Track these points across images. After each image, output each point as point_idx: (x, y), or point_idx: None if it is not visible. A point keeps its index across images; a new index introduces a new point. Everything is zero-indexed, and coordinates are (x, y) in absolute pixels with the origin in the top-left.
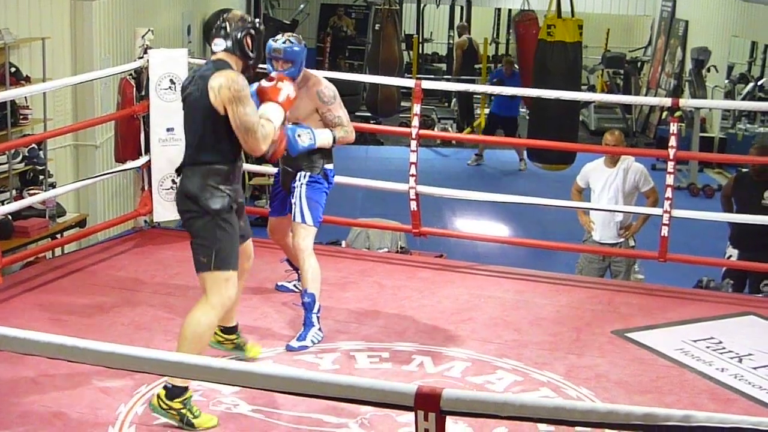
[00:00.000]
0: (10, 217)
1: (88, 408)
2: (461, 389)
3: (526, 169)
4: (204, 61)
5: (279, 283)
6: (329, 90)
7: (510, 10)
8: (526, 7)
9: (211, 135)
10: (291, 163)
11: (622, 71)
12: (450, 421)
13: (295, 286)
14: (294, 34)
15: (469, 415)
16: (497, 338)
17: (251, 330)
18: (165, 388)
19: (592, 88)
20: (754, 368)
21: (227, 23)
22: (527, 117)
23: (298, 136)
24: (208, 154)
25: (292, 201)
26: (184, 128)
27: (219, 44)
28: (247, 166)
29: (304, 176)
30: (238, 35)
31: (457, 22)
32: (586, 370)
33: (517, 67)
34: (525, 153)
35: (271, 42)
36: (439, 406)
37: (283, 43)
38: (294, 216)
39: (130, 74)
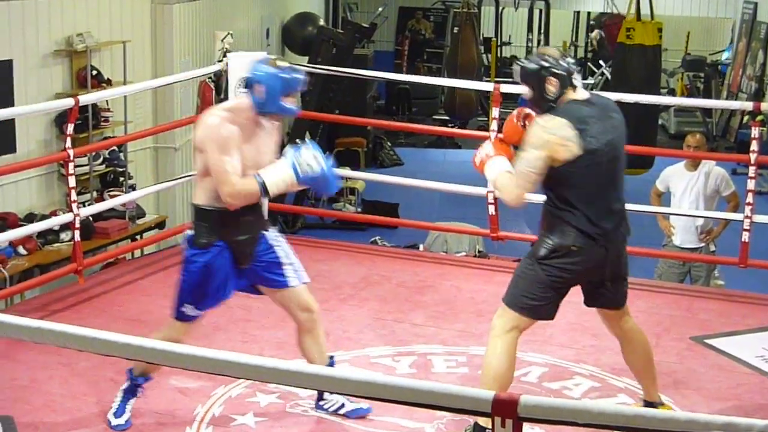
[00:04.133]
0: (91, 218)
1: (165, 408)
2: (538, 395)
3: None
4: None
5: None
6: None
7: (589, 13)
8: (608, 10)
9: None
10: (257, 226)
11: (702, 74)
12: (526, 427)
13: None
14: (278, 57)
15: (546, 422)
16: (575, 343)
17: (327, 332)
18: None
19: (671, 92)
20: None
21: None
22: None
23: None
24: None
25: (281, 262)
26: (618, 169)
27: (580, 80)
28: None
29: (276, 234)
30: None
31: (535, 25)
32: (665, 376)
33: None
34: None
35: (284, 73)
36: (516, 412)
37: (297, 72)
38: (296, 279)
39: (210, 77)
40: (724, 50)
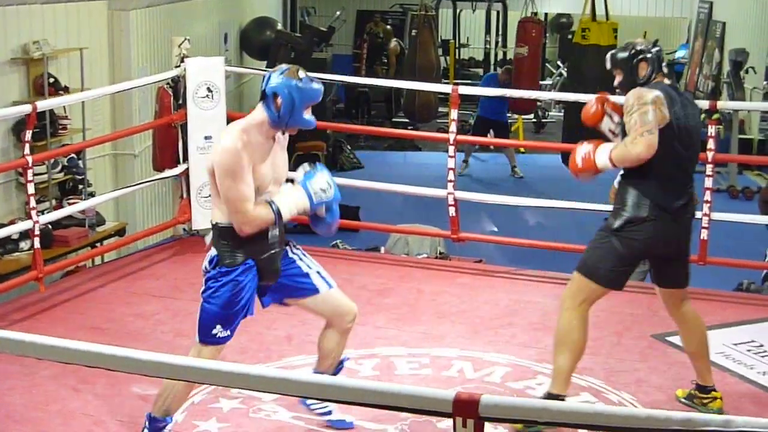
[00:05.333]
0: (50, 226)
1: (128, 416)
2: (501, 395)
3: (523, 177)
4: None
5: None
6: None
7: (546, 14)
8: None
9: None
10: (280, 241)
11: None
12: (489, 427)
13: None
14: (298, 67)
15: (507, 421)
16: (537, 343)
17: (288, 337)
18: None
19: None
20: None
21: None
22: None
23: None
24: None
25: (306, 272)
26: (692, 154)
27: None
28: None
29: (295, 247)
30: None
31: (493, 27)
32: (627, 374)
33: None
34: (516, 159)
35: (304, 84)
36: (477, 412)
37: (317, 82)
38: (325, 284)
39: (168, 83)
40: (676, 50)
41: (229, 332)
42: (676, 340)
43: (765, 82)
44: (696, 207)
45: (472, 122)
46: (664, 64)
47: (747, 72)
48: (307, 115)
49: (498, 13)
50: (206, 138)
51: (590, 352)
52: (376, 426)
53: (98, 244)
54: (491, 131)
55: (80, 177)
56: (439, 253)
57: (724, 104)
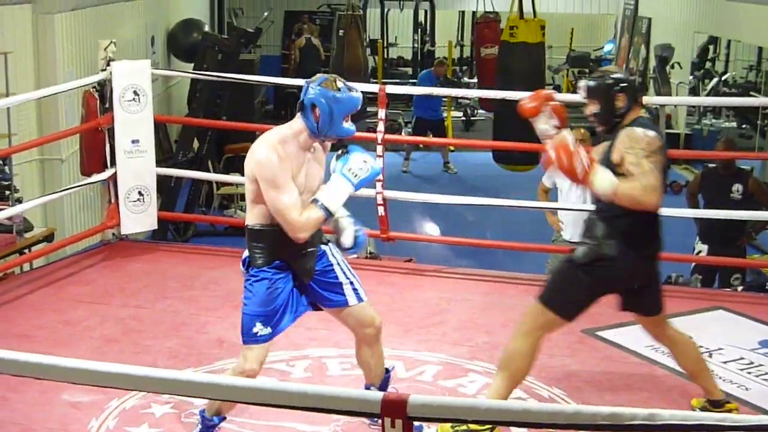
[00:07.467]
0: None
1: (59, 423)
2: (431, 394)
3: (456, 172)
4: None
5: None
6: None
7: (474, 13)
8: (490, 9)
9: None
10: (317, 240)
11: (587, 70)
12: (424, 426)
13: None
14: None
15: (436, 421)
16: (468, 341)
17: (220, 340)
18: None
19: (557, 88)
20: (724, 363)
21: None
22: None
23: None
24: None
25: (340, 282)
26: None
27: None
28: (214, 176)
29: (335, 248)
30: None
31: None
32: (557, 370)
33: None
34: (449, 156)
35: (343, 95)
36: (405, 412)
37: (356, 91)
38: (355, 298)
39: (94, 87)
40: (603, 46)
41: (270, 330)
42: (606, 334)
43: (690, 77)
44: (661, 240)
45: (402, 122)
46: (641, 95)
47: (673, 67)
48: (346, 124)
49: (426, 12)
50: (133, 142)
51: None
52: (310, 428)
53: (26, 251)
54: (429, 131)
55: (7, 183)
56: (369, 252)
57: (651, 99)
